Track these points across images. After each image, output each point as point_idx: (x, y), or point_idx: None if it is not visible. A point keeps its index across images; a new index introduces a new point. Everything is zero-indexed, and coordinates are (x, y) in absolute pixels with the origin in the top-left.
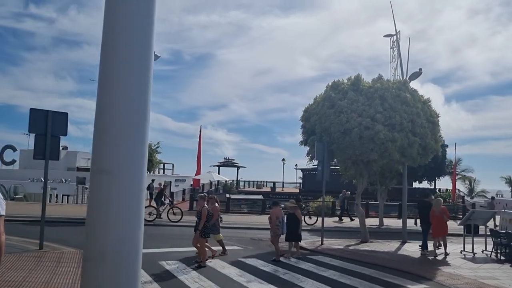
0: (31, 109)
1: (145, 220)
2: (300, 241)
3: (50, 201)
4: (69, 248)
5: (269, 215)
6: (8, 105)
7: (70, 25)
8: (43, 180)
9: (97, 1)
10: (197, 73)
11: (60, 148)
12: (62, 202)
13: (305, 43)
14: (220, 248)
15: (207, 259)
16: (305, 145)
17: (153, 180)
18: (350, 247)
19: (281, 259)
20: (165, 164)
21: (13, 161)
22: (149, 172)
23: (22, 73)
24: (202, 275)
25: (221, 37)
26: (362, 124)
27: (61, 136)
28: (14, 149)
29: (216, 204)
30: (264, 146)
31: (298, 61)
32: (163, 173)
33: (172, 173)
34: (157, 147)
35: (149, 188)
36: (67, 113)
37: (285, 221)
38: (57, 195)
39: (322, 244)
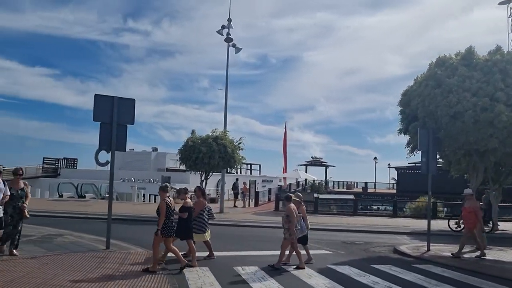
0: (95, 95)
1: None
2: (306, 244)
3: (137, 201)
4: (138, 248)
5: (286, 213)
6: None
7: (164, 36)
8: (133, 180)
9: (187, 12)
10: (283, 76)
11: (150, 149)
12: (149, 201)
13: (394, 41)
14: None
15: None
16: (404, 134)
17: (237, 179)
18: (465, 255)
19: (346, 267)
20: (252, 165)
21: (107, 162)
22: (233, 171)
23: (120, 83)
24: (283, 286)
25: (307, 39)
26: (478, 105)
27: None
28: (108, 150)
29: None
30: (352, 148)
31: (387, 59)
32: (250, 173)
33: (259, 174)
34: (240, 143)
35: (235, 187)
36: (134, 100)
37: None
38: (144, 194)
39: (428, 250)
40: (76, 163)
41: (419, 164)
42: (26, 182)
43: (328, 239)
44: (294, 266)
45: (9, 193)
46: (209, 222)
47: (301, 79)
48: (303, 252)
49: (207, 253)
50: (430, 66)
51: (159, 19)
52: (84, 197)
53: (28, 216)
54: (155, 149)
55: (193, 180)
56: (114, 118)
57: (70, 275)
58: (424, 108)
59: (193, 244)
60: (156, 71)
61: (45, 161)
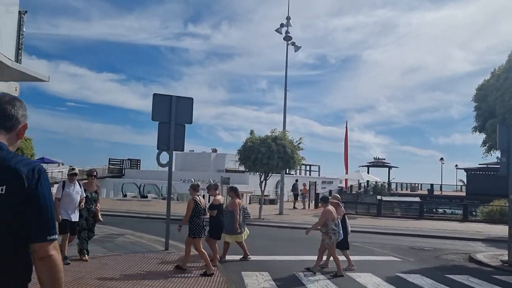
0: (154, 94)
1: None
2: (346, 249)
3: None
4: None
5: (323, 216)
6: None
7: (223, 39)
8: (193, 180)
9: (246, 15)
10: (342, 75)
11: (210, 150)
12: (209, 202)
13: (459, 36)
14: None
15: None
16: (480, 132)
17: (296, 180)
18: None
19: (418, 276)
20: (312, 166)
21: (168, 163)
22: (292, 172)
23: (181, 86)
24: None
25: (367, 37)
26: None
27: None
28: (167, 150)
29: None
30: (415, 148)
31: (452, 56)
32: (309, 174)
33: (319, 175)
34: (299, 143)
35: (294, 189)
36: (191, 99)
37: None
38: (204, 195)
39: (510, 259)
40: (139, 164)
41: (494, 165)
42: (98, 184)
43: (394, 244)
44: (332, 273)
45: (84, 196)
46: (264, 224)
47: (361, 78)
48: (342, 258)
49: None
50: (510, 57)
51: (218, 23)
52: (146, 197)
53: (101, 219)
54: (214, 150)
55: (252, 181)
56: (172, 117)
57: (128, 277)
58: (503, 103)
59: (216, 248)
60: (215, 74)
61: (110, 162)
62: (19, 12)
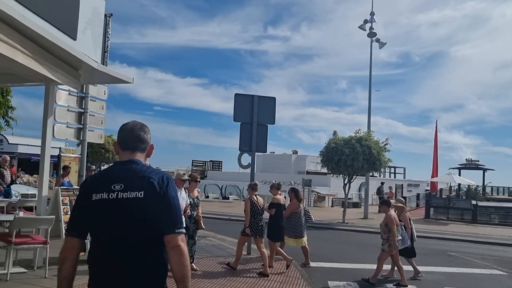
0: (235, 94)
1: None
2: (412, 257)
3: None
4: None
5: (384, 222)
6: None
7: (302, 41)
8: (274, 182)
9: (325, 15)
10: (428, 74)
11: (290, 152)
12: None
13: None
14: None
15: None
16: None
17: (382, 183)
18: None
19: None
20: (396, 168)
21: (249, 165)
22: (378, 174)
23: (261, 88)
24: None
25: (455, 32)
26: None
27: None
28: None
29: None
30: (510, 149)
31: None
32: (394, 177)
33: (404, 177)
34: (386, 144)
35: (379, 192)
36: (274, 98)
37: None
38: (285, 197)
39: None
40: (221, 166)
41: None
42: (199, 189)
43: (496, 255)
44: (395, 283)
45: (189, 202)
46: (349, 228)
47: (448, 76)
48: (406, 267)
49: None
50: None
51: (297, 24)
52: (228, 198)
53: (204, 227)
54: (295, 152)
55: (334, 183)
56: (254, 118)
57: (210, 282)
58: None
59: (274, 250)
60: (294, 75)
61: (193, 164)
62: (105, 15)
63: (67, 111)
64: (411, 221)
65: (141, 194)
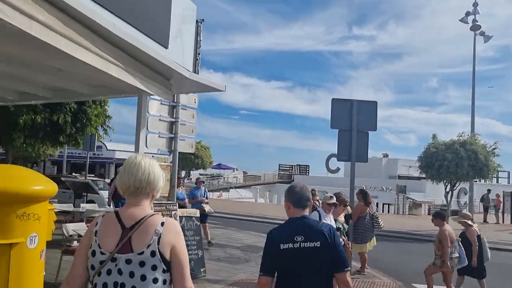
0: (333, 99)
1: None
2: (481, 279)
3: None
4: (381, 275)
5: (437, 237)
6: None
7: (389, 39)
8: (364, 188)
9: (414, 11)
10: None
11: (381, 155)
12: (382, 211)
13: None
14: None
15: None
16: None
17: (489, 190)
18: None
19: None
20: (499, 172)
21: (337, 169)
22: (485, 181)
23: (346, 90)
24: None
25: None
26: None
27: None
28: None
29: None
30: None
31: None
32: (497, 182)
33: (509, 182)
34: (494, 149)
35: (484, 199)
36: (375, 102)
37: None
38: (377, 203)
39: None
40: (308, 170)
41: None
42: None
43: None
44: None
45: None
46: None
47: None
48: None
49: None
50: None
51: (384, 22)
52: None
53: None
54: (386, 155)
55: (430, 189)
56: (353, 124)
57: None
58: None
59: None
60: (380, 75)
61: (280, 168)
62: (196, 21)
63: (159, 121)
64: (482, 238)
65: (318, 244)
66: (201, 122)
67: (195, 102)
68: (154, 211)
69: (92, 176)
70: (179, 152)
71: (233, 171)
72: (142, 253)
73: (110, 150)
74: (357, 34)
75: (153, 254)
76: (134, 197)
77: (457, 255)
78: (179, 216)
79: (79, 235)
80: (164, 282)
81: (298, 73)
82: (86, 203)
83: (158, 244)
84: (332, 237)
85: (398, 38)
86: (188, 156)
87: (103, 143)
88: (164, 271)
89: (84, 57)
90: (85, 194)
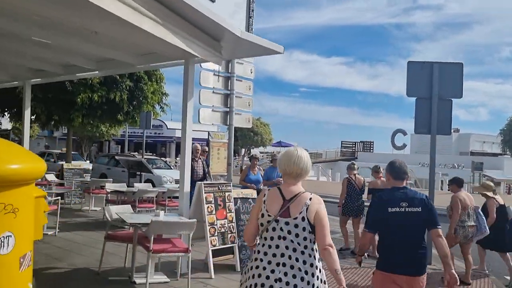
0: (409, 62)
1: None
2: (506, 252)
3: (441, 189)
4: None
5: (452, 202)
6: (400, 96)
7: (458, 8)
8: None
9: None
10: None
11: (451, 130)
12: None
13: None
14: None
15: None
16: None
17: None
18: None
19: None
20: None
21: (404, 146)
22: None
23: None
24: None
25: None
26: None
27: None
28: (404, 133)
29: None
30: None
31: None
32: None
33: None
34: None
35: None
36: (461, 64)
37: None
38: (442, 181)
39: None
40: (373, 147)
41: None
42: None
43: None
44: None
45: None
46: None
47: None
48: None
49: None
50: None
51: None
52: None
53: None
54: (456, 130)
55: (508, 166)
56: (434, 91)
57: None
58: None
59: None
60: (448, 47)
61: (343, 145)
62: None
63: (213, 93)
64: (508, 207)
65: (419, 209)
66: (260, 100)
67: (251, 72)
68: (207, 192)
69: (150, 155)
70: (238, 129)
71: None
72: (296, 218)
73: (170, 129)
74: (423, 4)
75: (303, 219)
76: (293, 179)
77: (473, 223)
78: (234, 198)
79: (123, 221)
80: (310, 240)
81: (359, 48)
82: (144, 182)
83: (306, 212)
84: (429, 203)
85: (467, 6)
86: (247, 133)
87: (164, 122)
88: (310, 232)
89: (116, 10)
90: (139, 173)
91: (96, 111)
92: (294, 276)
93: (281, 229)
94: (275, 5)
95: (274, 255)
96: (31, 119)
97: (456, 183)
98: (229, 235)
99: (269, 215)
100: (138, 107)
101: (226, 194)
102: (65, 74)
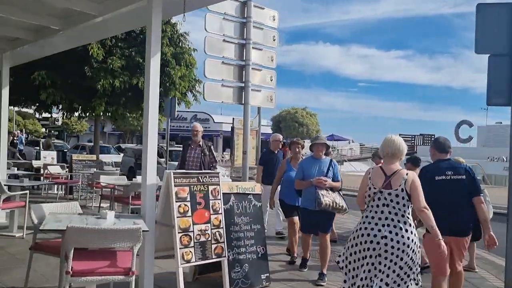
0: (478, 5)
1: None
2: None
3: None
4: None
5: None
6: (465, 88)
7: None
8: (504, 159)
9: None
10: None
11: None
12: None
13: None
14: None
15: None
16: None
17: None
18: None
19: None
20: None
21: (470, 138)
22: None
23: (478, 57)
24: None
25: None
26: None
27: None
28: (470, 125)
29: None
30: None
31: None
32: None
33: None
34: None
35: None
36: None
37: None
38: None
39: None
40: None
41: None
42: None
43: None
44: None
45: None
46: None
47: None
48: None
49: None
50: None
51: None
52: None
53: None
54: None
55: None
56: None
57: None
58: None
59: None
60: None
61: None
62: None
63: (222, 64)
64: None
65: (464, 177)
66: (317, 96)
67: (274, 20)
68: (179, 185)
69: (178, 146)
70: (282, 119)
71: (349, 143)
72: (397, 189)
73: (217, 122)
74: None
75: (402, 190)
76: (391, 159)
77: None
78: (223, 194)
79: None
80: (408, 206)
81: (419, 41)
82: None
83: (405, 184)
84: (472, 173)
85: None
86: (292, 123)
87: (210, 116)
88: (407, 200)
89: None
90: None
91: (120, 98)
92: (396, 234)
93: (385, 198)
94: (332, 0)
95: (379, 219)
96: (50, 106)
97: (412, 163)
98: (214, 246)
99: (374, 188)
100: (165, 94)
101: (211, 188)
102: (35, 39)
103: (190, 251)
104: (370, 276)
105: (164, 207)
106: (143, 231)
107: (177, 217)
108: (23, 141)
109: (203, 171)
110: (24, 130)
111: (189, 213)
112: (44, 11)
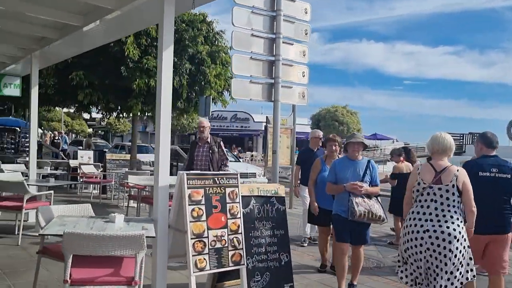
0: None
1: None
2: None
3: None
4: None
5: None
6: None
7: None
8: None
9: None
10: None
11: None
12: None
13: None
14: None
15: None
16: None
17: None
18: None
19: None
20: None
21: None
22: None
23: None
24: None
25: None
26: None
27: None
28: None
29: None
30: None
31: None
32: None
33: None
34: None
35: None
36: None
37: None
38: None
39: None
40: None
41: None
42: None
43: None
44: None
45: None
46: None
47: None
48: None
49: None
50: None
51: None
52: None
53: None
54: None
55: None
56: None
57: None
58: None
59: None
60: None
61: None
62: None
63: (251, 59)
64: None
65: (509, 176)
66: (360, 94)
67: (306, 13)
68: (192, 187)
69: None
70: (322, 118)
71: (393, 142)
72: (447, 185)
73: (257, 122)
74: None
75: (453, 186)
76: (440, 155)
77: None
78: (242, 197)
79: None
80: (458, 202)
81: (469, 36)
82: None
83: (456, 181)
84: None
85: None
86: (331, 122)
87: (250, 115)
88: (458, 196)
89: None
90: (176, 163)
91: (155, 97)
92: (447, 227)
93: (434, 193)
94: None
95: (430, 214)
96: (88, 106)
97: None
98: (231, 253)
99: (424, 183)
100: (201, 93)
101: (228, 190)
102: (59, 37)
103: (204, 259)
104: (429, 271)
105: (177, 211)
106: (149, 237)
107: (190, 221)
108: (67, 141)
109: (220, 172)
110: (70, 130)
111: (204, 217)
112: (65, 8)
